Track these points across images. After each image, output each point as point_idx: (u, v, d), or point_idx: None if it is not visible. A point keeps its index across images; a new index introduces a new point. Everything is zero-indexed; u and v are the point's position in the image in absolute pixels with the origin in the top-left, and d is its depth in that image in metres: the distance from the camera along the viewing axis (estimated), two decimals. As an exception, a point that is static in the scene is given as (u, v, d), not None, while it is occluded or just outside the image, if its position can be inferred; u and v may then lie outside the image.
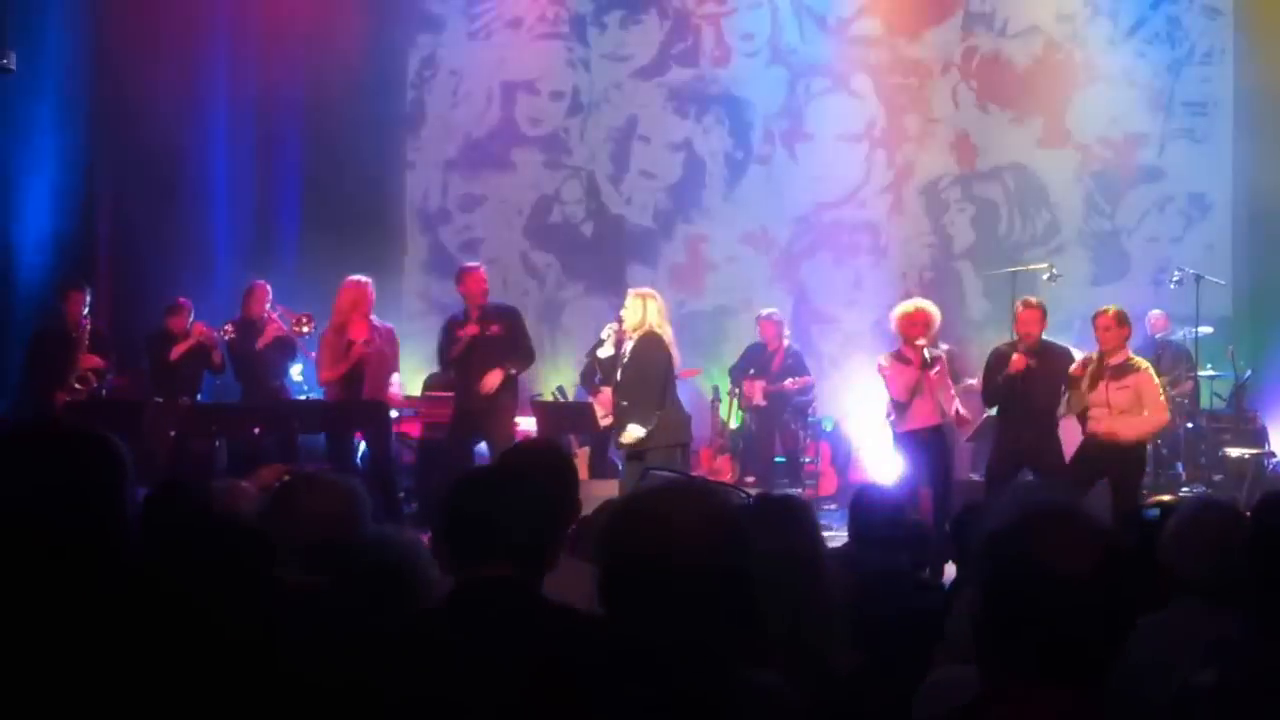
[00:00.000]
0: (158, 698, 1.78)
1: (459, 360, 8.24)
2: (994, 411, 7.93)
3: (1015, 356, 7.44)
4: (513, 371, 8.21)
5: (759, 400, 10.28)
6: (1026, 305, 7.62)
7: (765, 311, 10.47)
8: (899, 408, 7.75)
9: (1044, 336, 7.58)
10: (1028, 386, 7.43)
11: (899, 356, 7.78)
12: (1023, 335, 7.52)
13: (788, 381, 10.24)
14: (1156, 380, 7.39)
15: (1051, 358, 7.53)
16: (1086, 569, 1.56)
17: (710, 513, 1.75)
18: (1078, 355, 7.65)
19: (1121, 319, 7.32)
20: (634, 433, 7.21)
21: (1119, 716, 2.43)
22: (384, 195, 11.93)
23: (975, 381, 8.49)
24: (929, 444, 7.72)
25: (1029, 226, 11.48)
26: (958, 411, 8.13)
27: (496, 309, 8.34)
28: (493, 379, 8.02)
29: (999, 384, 7.55)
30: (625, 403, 7.32)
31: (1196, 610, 2.73)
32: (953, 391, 8.10)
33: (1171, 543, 2.83)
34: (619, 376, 7.38)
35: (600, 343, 7.63)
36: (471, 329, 8.15)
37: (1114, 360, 7.28)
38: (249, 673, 2.00)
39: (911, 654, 2.92)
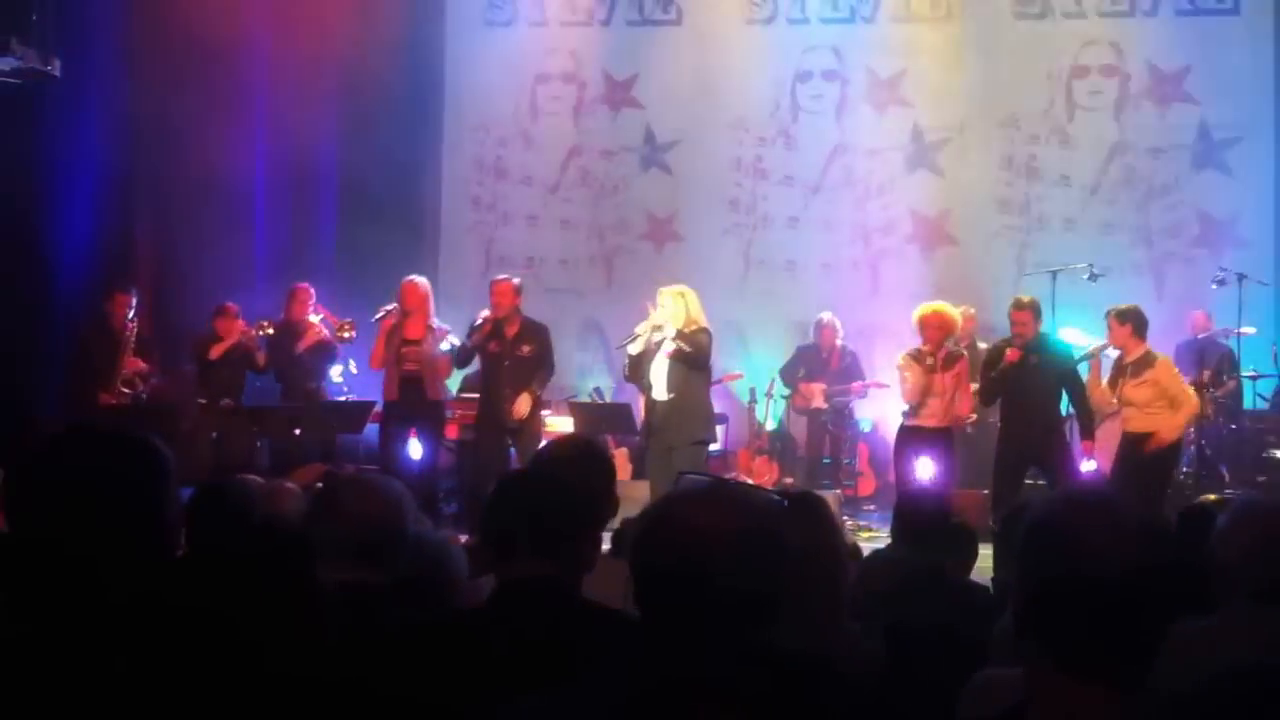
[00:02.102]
0: (199, 697, 1.79)
1: (485, 374, 8.37)
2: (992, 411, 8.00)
3: (1009, 350, 7.48)
4: (539, 394, 8.34)
5: (819, 403, 10.26)
6: (1018, 306, 7.70)
7: (823, 316, 10.44)
8: (912, 408, 7.79)
9: (1047, 333, 7.70)
10: (1027, 385, 7.45)
11: (916, 356, 7.80)
12: (1016, 335, 7.56)
13: (854, 384, 10.21)
14: (1174, 370, 7.47)
15: (1050, 353, 7.55)
16: (1128, 557, 1.53)
17: (744, 518, 1.75)
18: (1084, 341, 7.71)
19: (1121, 316, 7.46)
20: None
21: (1166, 716, 2.41)
22: (419, 196, 12.01)
23: None
24: (932, 444, 7.71)
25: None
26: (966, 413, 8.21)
27: (529, 327, 8.37)
28: (523, 405, 8.12)
29: (994, 380, 7.62)
30: (672, 394, 7.37)
31: (1246, 611, 2.71)
32: (970, 394, 8.12)
33: (1221, 543, 2.81)
34: (670, 373, 7.40)
35: (634, 337, 7.60)
36: (493, 346, 8.22)
37: (1129, 357, 7.36)
38: (289, 673, 2.00)
39: (954, 654, 2.90)
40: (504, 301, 8.31)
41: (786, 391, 10.61)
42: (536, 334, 8.37)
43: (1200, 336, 9.82)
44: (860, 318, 11.01)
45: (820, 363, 10.35)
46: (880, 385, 10.16)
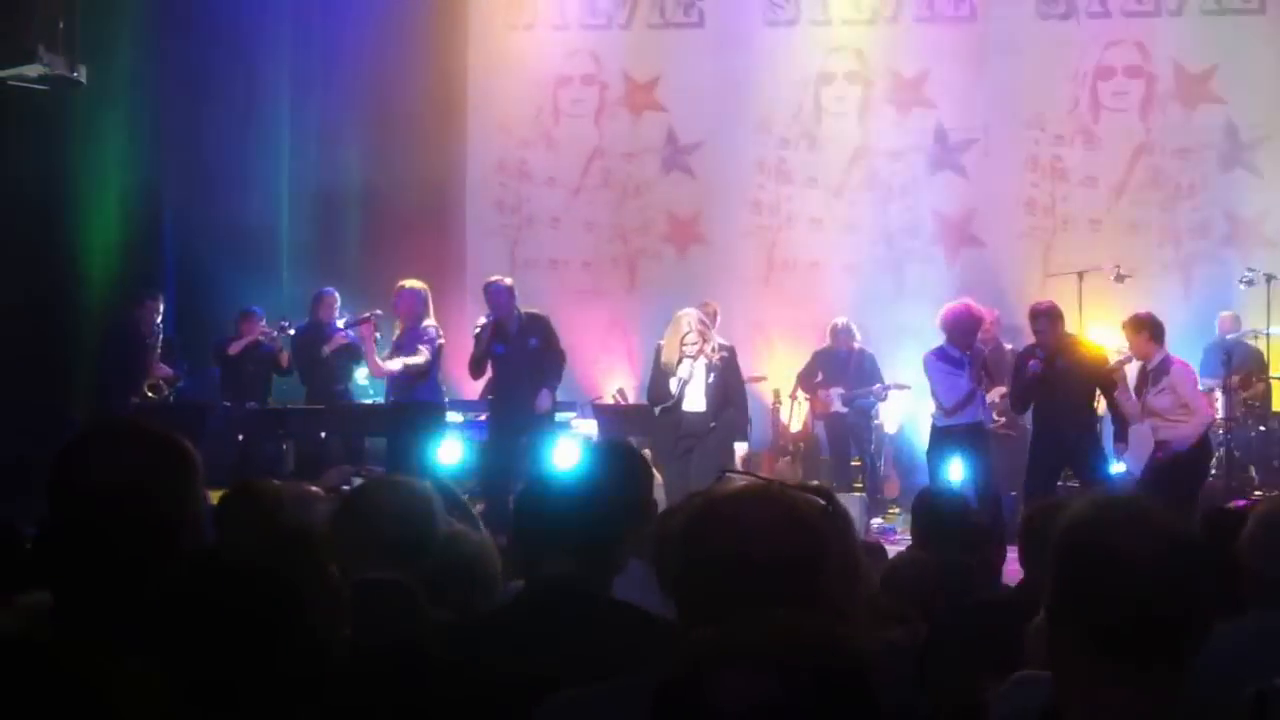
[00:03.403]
0: (221, 695, 1.80)
1: (497, 374, 8.40)
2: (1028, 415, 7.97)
3: (1031, 363, 7.45)
4: (557, 385, 8.48)
5: (837, 407, 10.25)
6: (1032, 315, 7.68)
7: (838, 321, 10.42)
8: (944, 411, 7.72)
9: (1071, 333, 7.66)
10: (1057, 387, 7.41)
11: (945, 357, 7.73)
12: (1038, 344, 7.54)
13: (875, 387, 10.19)
14: (1188, 376, 7.32)
15: (1078, 354, 7.50)
16: (1160, 561, 1.57)
17: (788, 514, 1.75)
18: (1111, 354, 7.65)
19: (1136, 325, 7.36)
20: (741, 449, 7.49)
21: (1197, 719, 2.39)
22: (444, 198, 12.05)
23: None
24: (968, 441, 7.68)
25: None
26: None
27: (530, 321, 8.47)
28: (545, 400, 8.22)
29: (1023, 387, 7.62)
30: (714, 424, 7.42)
31: (1272, 614, 2.69)
32: (992, 393, 8.12)
33: (1250, 545, 2.80)
34: (710, 397, 7.42)
35: (683, 382, 7.61)
36: (499, 348, 8.31)
37: (1150, 365, 7.30)
38: (318, 670, 2.01)
39: (978, 650, 2.89)
40: (499, 302, 8.37)
41: (807, 396, 10.61)
42: (538, 325, 8.48)
43: (1228, 337, 9.75)
44: (885, 320, 10.99)
45: (839, 366, 10.34)
46: (902, 386, 10.14)
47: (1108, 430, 8.04)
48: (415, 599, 2.51)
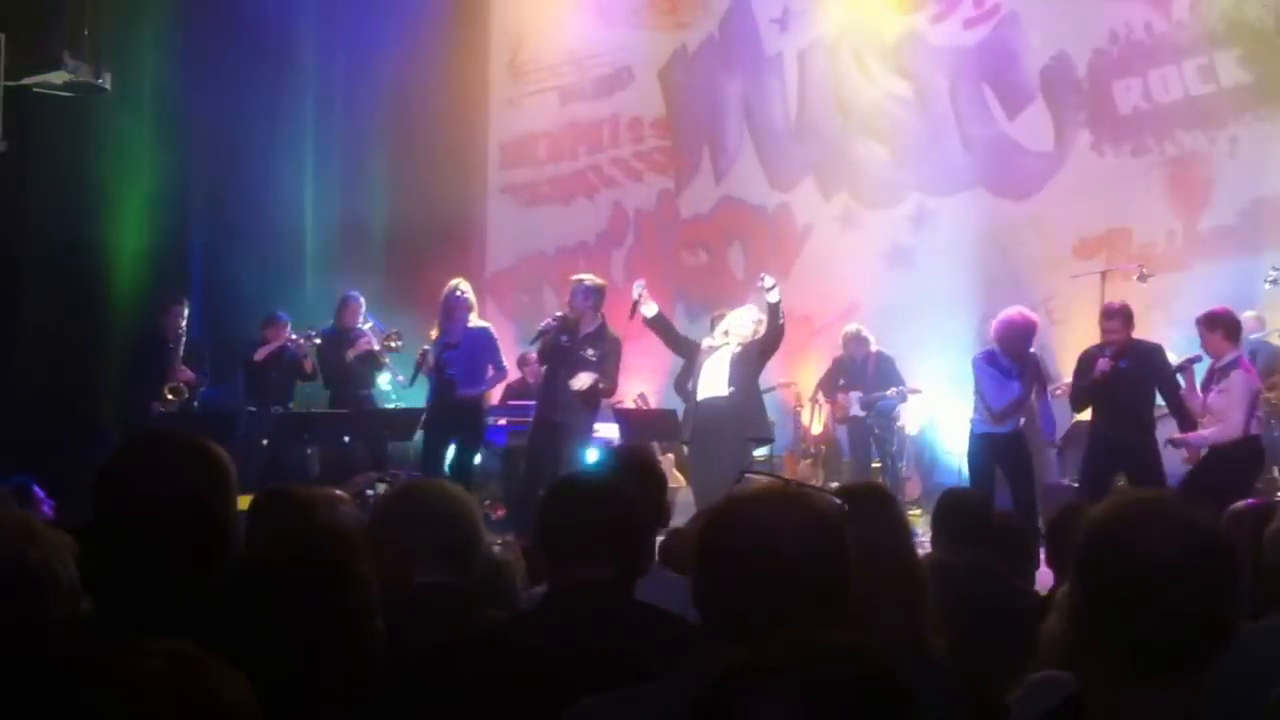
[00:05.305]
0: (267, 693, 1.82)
1: (547, 369, 8.32)
2: (1085, 415, 7.86)
3: (1101, 360, 7.37)
4: (601, 385, 8.14)
5: (856, 411, 10.26)
6: (1107, 314, 7.54)
7: (851, 328, 10.42)
8: (992, 415, 7.66)
9: (1135, 336, 7.52)
10: (1119, 387, 7.34)
11: (994, 362, 7.66)
12: (1108, 343, 7.44)
13: (890, 391, 10.18)
14: (1244, 384, 7.13)
15: (1143, 358, 7.43)
16: (1185, 560, 1.54)
17: (807, 515, 1.75)
18: (1172, 358, 7.56)
19: (1210, 322, 7.24)
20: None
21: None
22: (466, 207, 12.09)
23: (1063, 386, 8.46)
24: (1009, 447, 7.63)
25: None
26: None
27: (600, 334, 8.19)
28: (584, 377, 7.97)
29: (1086, 387, 7.49)
30: (733, 387, 7.49)
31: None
32: (1036, 397, 8.04)
33: (1272, 546, 2.78)
34: (731, 371, 7.47)
35: (712, 349, 7.64)
36: (563, 341, 8.20)
37: (1219, 363, 7.21)
38: (354, 668, 2.03)
39: (1003, 655, 2.89)
40: (572, 301, 8.26)
41: (828, 401, 10.63)
42: (605, 341, 8.16)
43: (1252, 337, 9.68)
44: (907, 323, 10.97)
45: (857, 372, 10.36)
46: (914, 391, 10.14)
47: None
48: (472, 602, 2.53)
